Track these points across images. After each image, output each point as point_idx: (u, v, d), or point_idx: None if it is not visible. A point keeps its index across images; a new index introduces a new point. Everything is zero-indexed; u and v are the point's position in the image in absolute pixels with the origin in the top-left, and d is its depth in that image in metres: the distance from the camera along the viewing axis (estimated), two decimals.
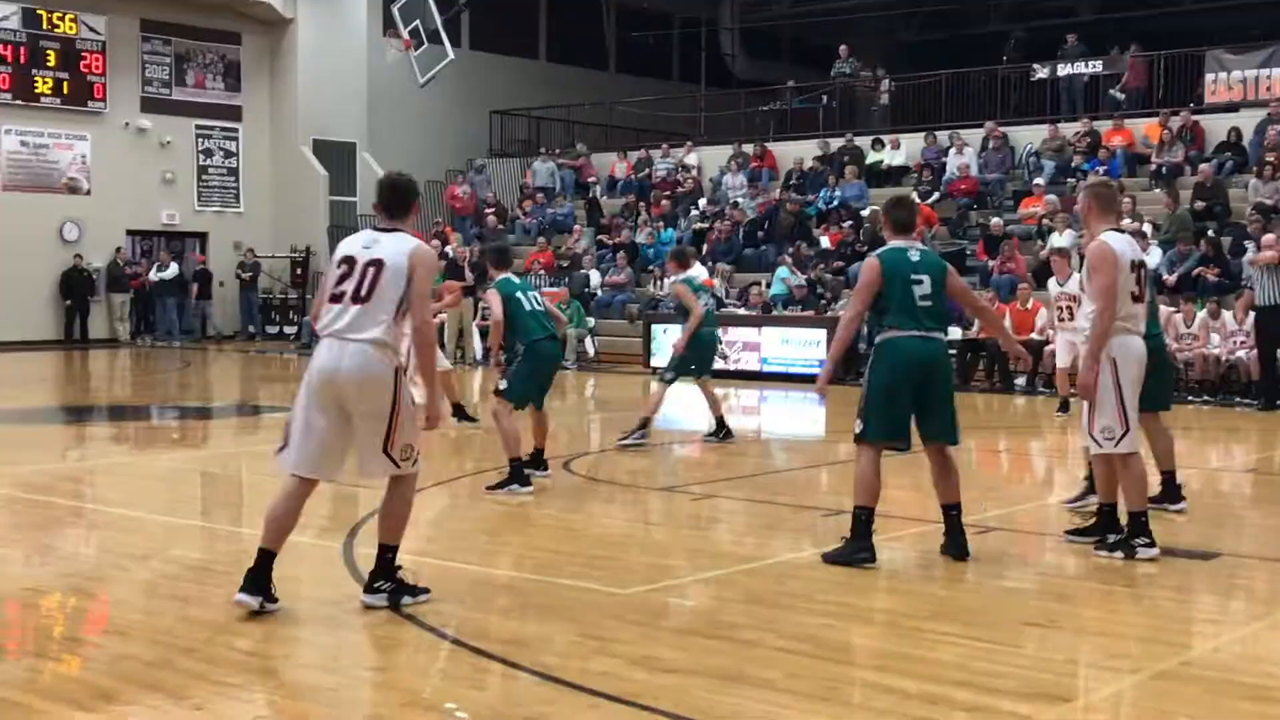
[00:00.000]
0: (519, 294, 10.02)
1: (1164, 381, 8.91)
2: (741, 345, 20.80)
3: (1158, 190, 21.85)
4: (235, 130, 30.29)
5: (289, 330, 29.07)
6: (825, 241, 23.79)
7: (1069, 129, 24.55)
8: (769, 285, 22.77)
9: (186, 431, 15.42)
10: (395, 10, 28.78)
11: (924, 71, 28.90)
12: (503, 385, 9.96)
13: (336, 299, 6.16)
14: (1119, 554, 7.54)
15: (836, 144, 26.78)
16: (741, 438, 13.38)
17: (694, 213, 26.44)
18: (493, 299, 10.00)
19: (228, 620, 6.12)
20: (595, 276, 25.42)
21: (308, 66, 29.97)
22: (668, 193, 27.48)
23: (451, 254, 24.86)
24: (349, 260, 6.20)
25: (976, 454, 12.54)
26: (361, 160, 30.68)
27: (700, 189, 27.50)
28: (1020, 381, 19.06)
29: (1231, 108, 23.74)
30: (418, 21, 28.52)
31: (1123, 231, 7.83)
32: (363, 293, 6.09)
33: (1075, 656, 5.82)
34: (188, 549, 7.99)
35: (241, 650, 5.72)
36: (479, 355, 23.63)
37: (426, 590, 6.46)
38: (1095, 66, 25.65)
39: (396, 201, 6.41)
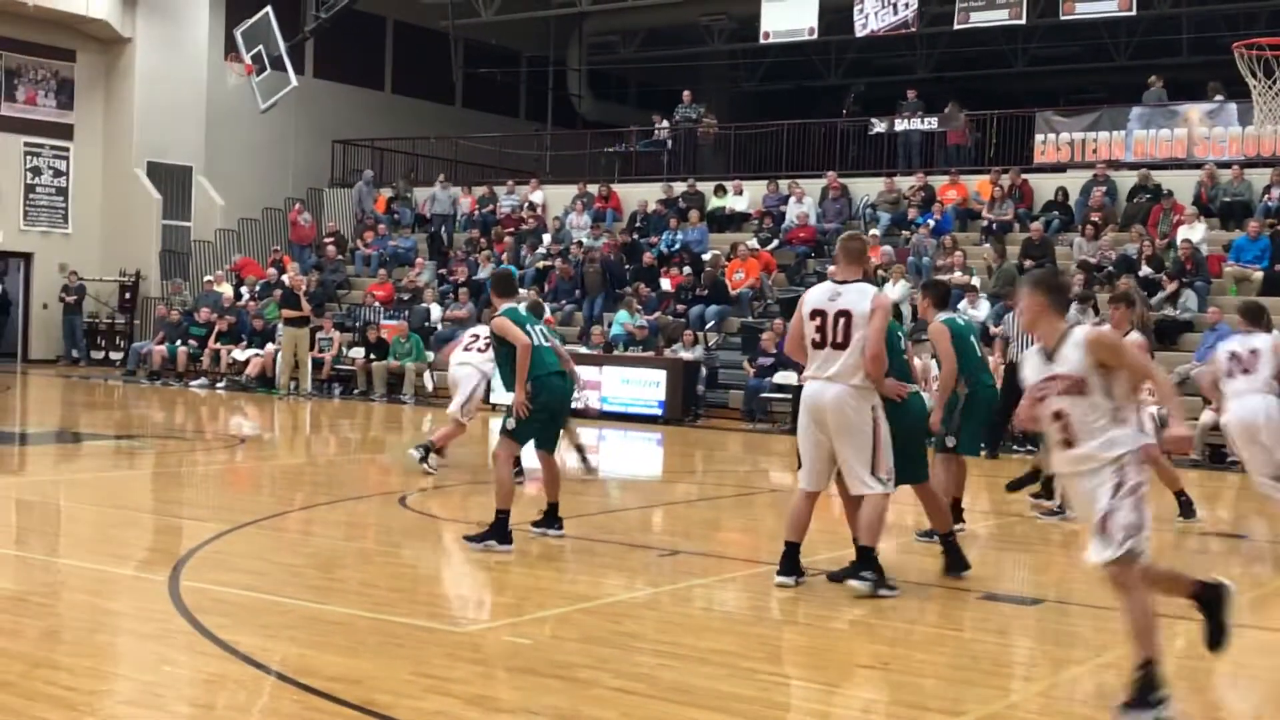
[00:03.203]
0: (526, 326, 9.16)
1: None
2: (582, 383, 20.78)
3: (988, 245, 22.54)
4: (66, 149, 29.34)
5: (115, 356, 28.18)
6: (666, 284, 23.98)
7: (904, 182, 25.21)
8: (609, 325, 22.86)
9: (2, 458, 14.81)
10: (238, 34, 28.24)
11: (767, 121, 29.41)
12: (510, 424, 9.09)
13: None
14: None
15: (679, 188, 27.08)
16: (580, 476, 13.36)
17: (539, 250, 26.44)
18: (505, 328, 9.12)
19: (45, 654, 5.87)
20: (436, 310, 25.21)
21: (145, 87, 29.21)
22: (511, 229, 27.44)
23: (288, 283, 24.43)
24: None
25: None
26: (197, 184, 30.01)
27: (544, 226, 27.51)
28: None
29: (1059, 168, 24.64)
30: (260, 47, 28.03)
31: (847, 281, 7.95)
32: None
33: (906, 698, 5.91)
34: (1, 579, 7.66)
35: (60, 685, 5.49)
36: (309, 387, 23.23)
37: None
38: (931, 123, 26.40)
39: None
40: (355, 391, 23.52)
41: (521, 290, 10.83)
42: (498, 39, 33.34)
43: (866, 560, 7.80)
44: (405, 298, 25.78)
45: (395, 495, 11.62)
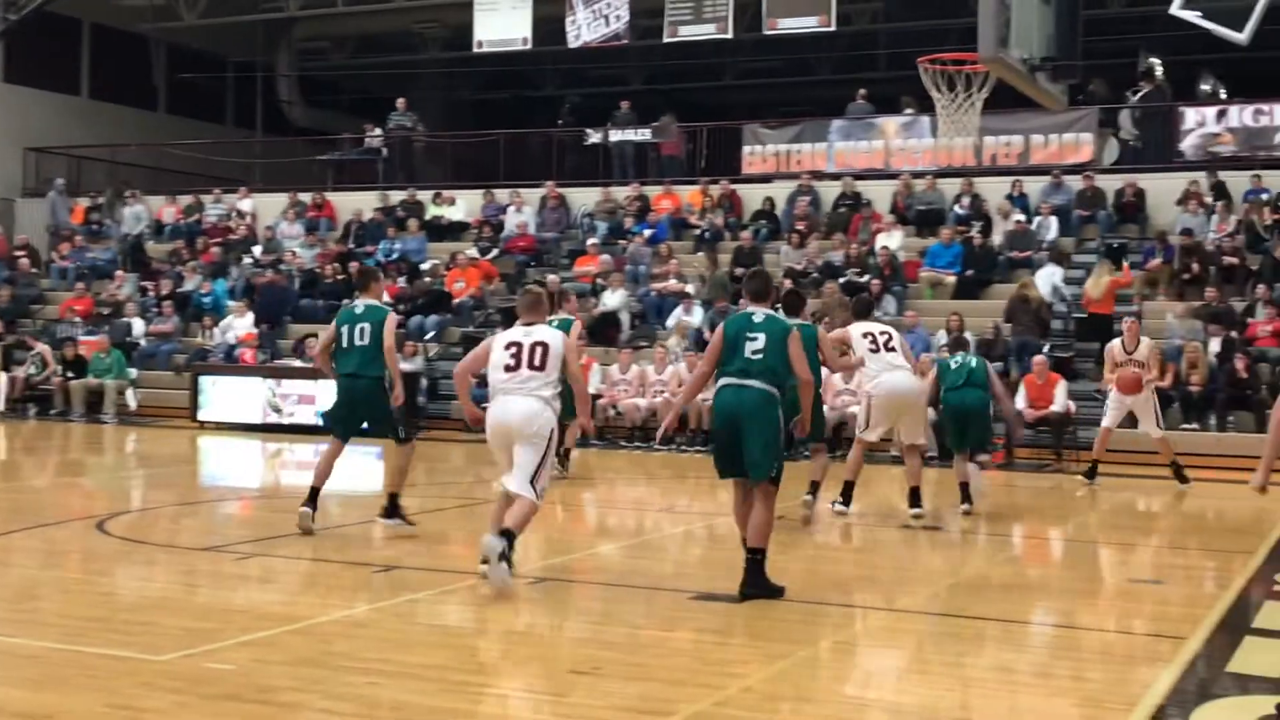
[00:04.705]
0: (343, 325, 10.26)
1: None
2: (297, 398, 20.30)
3: (701, 254, 23.06)
4: None
5: None
6: (384, 295, 23.63)
7: (620, 192, 25.56)
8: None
9: None
10: None
11: (484, 130, 29.34)
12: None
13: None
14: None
15: (397, 196, 26.74)
16: (295, 495, 13.00)
17: (246, 260, 25.66)
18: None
19: None
20: (139, 325, 24.16)
21: None
22: (219, 239, 26.54)
23: None
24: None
25: None
26: None
27: (254, 236, 26.73)
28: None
29: (766, 179, 25.42)
30: None
31: (534, 324, 8.55)
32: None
33: (617, 702, 5.95)
34: None
35: None
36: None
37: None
38: (644, 134, 26.85)
39: None
40: (52, 411, 22.31)
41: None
42: (202, 43, 32.26)
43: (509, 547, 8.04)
44: (105, 312, 24.63)
45: (95, 520, 11.08)
